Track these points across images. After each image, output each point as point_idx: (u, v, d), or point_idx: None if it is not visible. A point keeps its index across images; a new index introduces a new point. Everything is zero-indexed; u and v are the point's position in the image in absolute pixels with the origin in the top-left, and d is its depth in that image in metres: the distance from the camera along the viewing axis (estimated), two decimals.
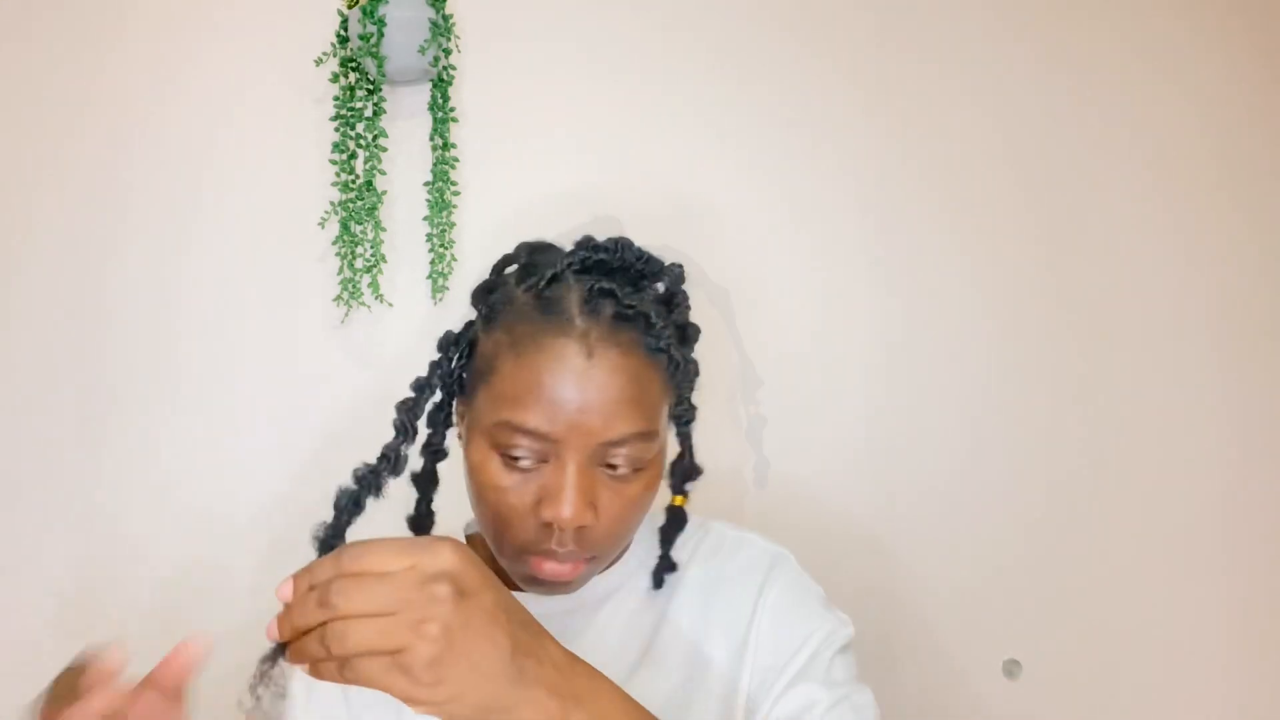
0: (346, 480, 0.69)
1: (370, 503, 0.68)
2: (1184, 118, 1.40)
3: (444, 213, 1.34)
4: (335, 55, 1.34)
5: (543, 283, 0.71)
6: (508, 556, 0.72)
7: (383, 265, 1.34)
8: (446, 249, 1.34)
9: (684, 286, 0.77)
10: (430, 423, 0.78)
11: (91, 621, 1.30)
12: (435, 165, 1.35)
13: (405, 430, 0.71)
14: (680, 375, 0.73)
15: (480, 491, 0.71)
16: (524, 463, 0.69)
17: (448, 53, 1.33)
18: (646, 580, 0.81)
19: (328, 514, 0.67)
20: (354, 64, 1.33)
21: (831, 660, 0.76)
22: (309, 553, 0.60)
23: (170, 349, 1.35)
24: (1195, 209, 1.40)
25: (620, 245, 0.74)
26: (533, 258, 0.77)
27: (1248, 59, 1.41)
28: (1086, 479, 1.37)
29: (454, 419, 0.79)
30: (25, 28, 1.36)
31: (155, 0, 1.37)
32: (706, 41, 1.40)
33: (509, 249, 0.80)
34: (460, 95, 1.37)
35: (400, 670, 0.48)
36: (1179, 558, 1.37)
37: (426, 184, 1.35)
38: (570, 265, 0.72)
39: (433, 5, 1.31)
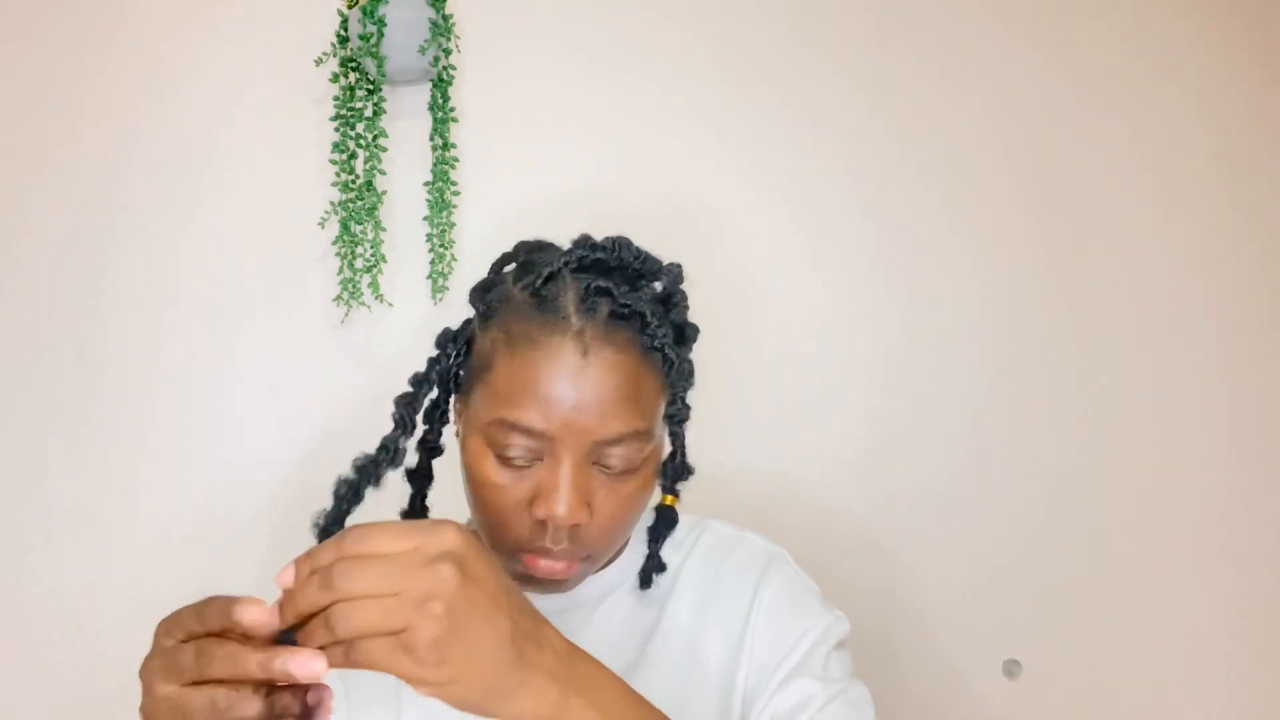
0: (346, 472, 0.69)
1: (366, 498, 0.69)
2: (1184, 118, 1.40)
3: (444, 213, 1.34)
4: (335, 55, 1.34)
5: (540, 281, 0.71)
6: (502, 554, 0.72)
7: (383, 265, 1.34)
8: (446, 249, 1.34)
9: (682, 286, 0.77)
10: (426, 419, 0.78)
11: (90, 622, 1.30)
12: (435, 165, 1.35)
13: (404, 423, 0.72)
14: (676, 375, 0.73)
15: (476, 488, 0.72)
16: (519, 460, 0.69)
17: (448, 53, 1.34)
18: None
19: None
20: (354, 64, 1.33)
21: (828, 656, 0.76)
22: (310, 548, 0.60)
23: (170, 349, 1.35)
24: (1195, 209, 1.40)
25: (618, 244, 0.73)
26: (531, 256, 0.77)
27: (1248, 59, 1.41)
28: (1086, 479, 1.37)
29: (451, 416, 0.79)
30: (25, 28, 1.36)
31: (155, 0, 1.37)
32: (706, 41, 1.40)
33: (508, 249, 0.80)
34: (460, 95, 1.37)
35: (404, 650, 0.48)
36: (1179, 557, 1.37)
37: (426, 184, 1.35)
38: (567, 264, 0.72)
39: (433, 5, 1.31)
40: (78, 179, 1.35)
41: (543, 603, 0.75)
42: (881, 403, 1.38)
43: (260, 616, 0.50)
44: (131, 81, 1.37)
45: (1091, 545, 1.37)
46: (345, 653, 0.49)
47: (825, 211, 1.40)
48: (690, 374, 0.76)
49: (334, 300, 1.34)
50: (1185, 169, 1.40)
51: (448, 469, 0.83)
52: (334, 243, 1.33)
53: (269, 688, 0.51)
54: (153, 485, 1.33)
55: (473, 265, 1.35)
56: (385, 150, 1.34)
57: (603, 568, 0.80)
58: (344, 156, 1.33)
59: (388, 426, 0.72)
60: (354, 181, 1.33)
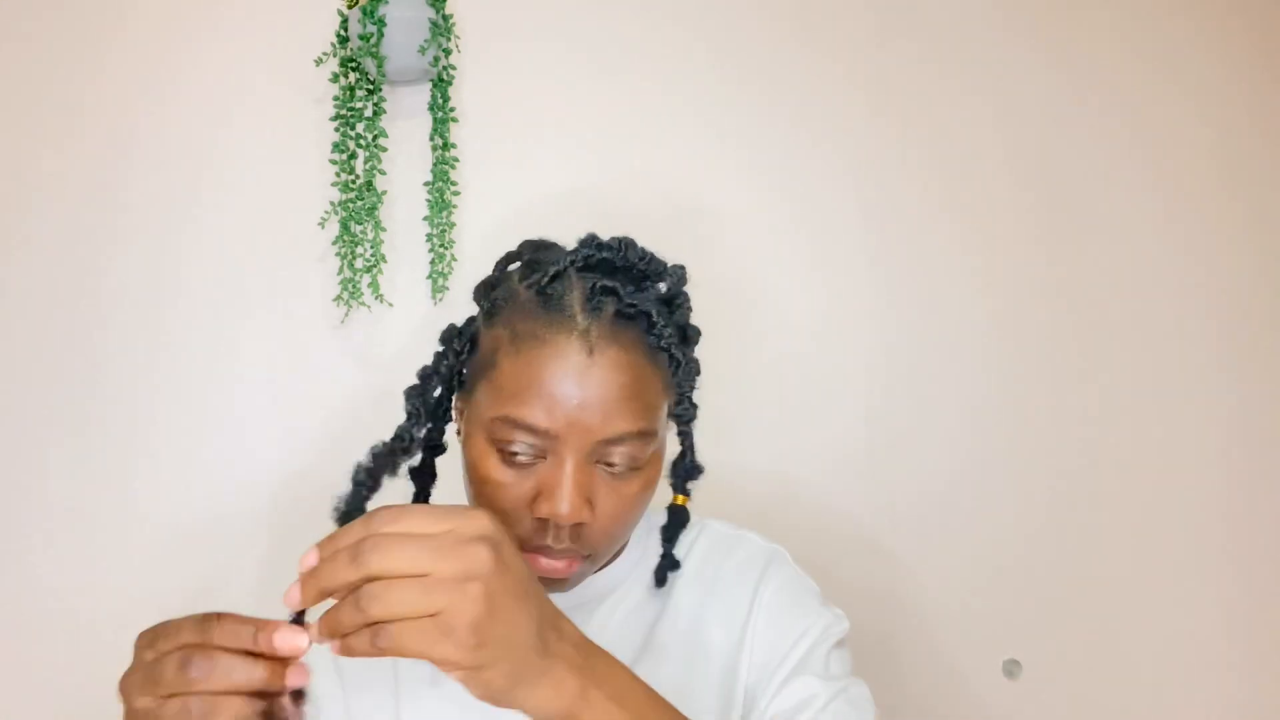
0: (364, 459, 0.69)
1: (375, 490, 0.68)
2: (1184, 118, 1.41)
3: (444, 213, 1.34)
4: (335, 55, 1.34)
5: (546, 279, 0.71)
6: None
7: (383, 265, 1.34)
8: (446, 249, 1.34)
9: (685, 288, 0.77)
10: (430, 416, 0.78)
11: (90, 623, 1.30)
12: (435, 165, 1.35)
13: (417, 413, 0.71)
14: (682, 374, 0.73)
15: (477, 486, 0.72)
16: (522, 458, 0.69)
17: (448, 53, 1.34)
18: (643, 578, 0.82)
19: (329, 514, 0.67)
20: (354, 64, 1.33)
21: (829, 654, 0.76)
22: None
23: (169, 349, 1.35)
24: (1195, 209, 1.40)
25: (624, 244, 0.74)
26: (536, 255, 0.77)
27: (1248, 59, 1.41)
28: (1086, 479, 1.37)
29: (452, 414, 0.79)
30: (25, 28, 1.36)
31: (155, 0, 1.37)
32: (706, 41, 1.40)
33: (512, 247, 0.80)
34: (460, 95, 1.37)
35: (443, 632, 0.47)
36: (1179, 557, 1.37)
37: (426, 184, 1.35)
38: (574, 263, 0.72)
39: (433, 5, 1.31)
40: (78, 179, 1.35)
41: None
42: (881, 403, 1.38)
43: (299, 642, 0.49)
44: (131, 81, 1.36)
45: (1091, 545, 1.37)
46: (373, 637, 0.47)
47: (825, 211, 1.40)
48: (696, 373, 0.76)
49: (334, 300, 1.34)
50: (1185, 169, 1.40)
51: (448, 468, 0.83)
52: (334, 243, 1.33)
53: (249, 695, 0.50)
54: (153, 485, 1.33)
55: (473, 265, 1.35)
56: (385, 150, 1.34)
57: (603, 567, 0.80)
58: (344, 156, 1.33)
59: (388, 426, 0.72)
60: (354, 181, 1.33)
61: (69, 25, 1.36)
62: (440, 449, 0.82)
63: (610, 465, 0.70)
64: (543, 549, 0.70)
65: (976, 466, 1.38)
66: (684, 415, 0.75)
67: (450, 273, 1.35)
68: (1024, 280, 1.39)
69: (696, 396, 0.76)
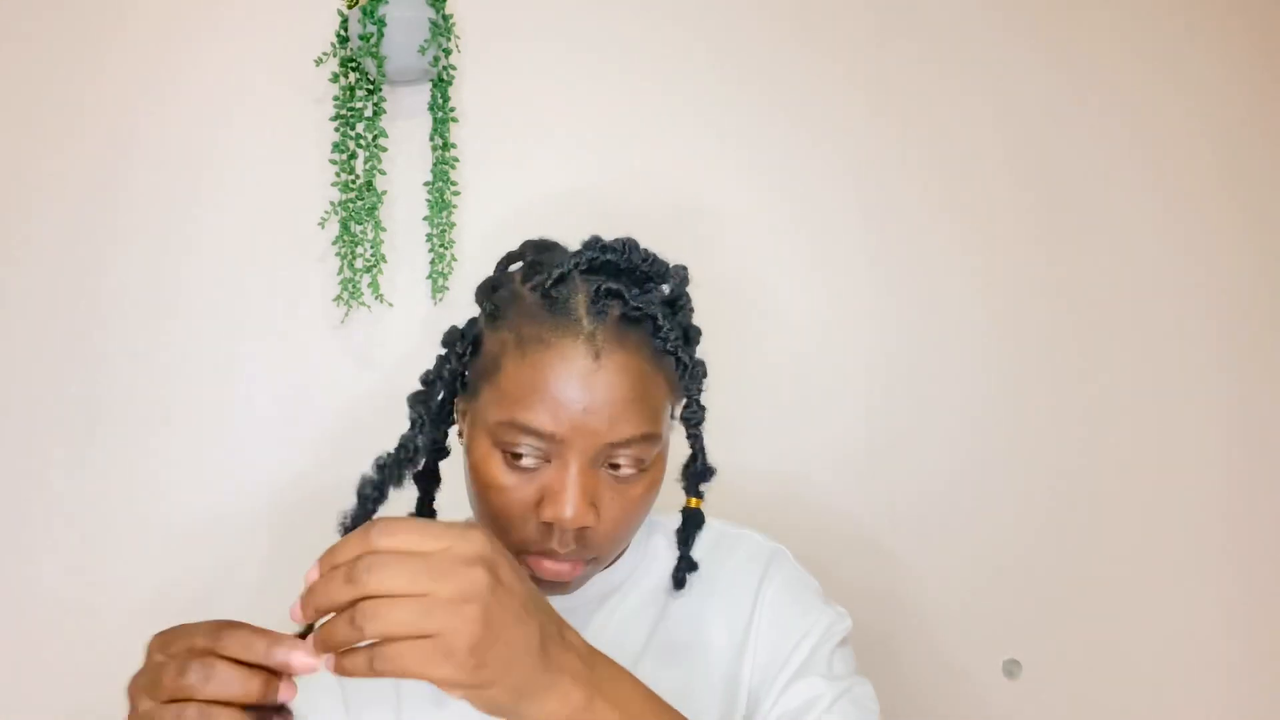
0: (358, 477, 0.68)
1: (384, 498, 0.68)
2: (1184, 118, 1.41)
3: (444, 213, 1.34)
4: (335, 55, 1.34)
5: (550, 282, 0.70)
6: None
7: (383, 265, 1.34)
8: (446, 249, 1.34)
9: (687, 289, 0.77)
10: (432, 421, 0.78)
11: (91, 625, 1.30)
12: (435, 165, 1.35)
13: (420, 421, 0.71)
14: (689, 377, 0.73)
15: (481, 490, 0.71)
16: (526, 461, 0.69)
17: (448, 53, 1.33)
18: (643, 580, 0.82)
19: (329, 514, 0.67)
20: (354, 64, 1.33)
21: (832, 654, 0.76)
22: (312, 552, 0.60)
23: (170, 349, 1.35)
24: (1195, 209, 1.40)
25: (627, 246, 0.73)
26: (539, 256, 0.76)
27: (1248, 59, 1.41)
28: (1086, 479, 1.37)
29: (455, 417, 0.79)
30: (25, 28, 1.36)
31: (155, 0, 1.37)
32: (706, 41, 1.40)
33: (509, 249, 0.80)
34: (460, 95, 1.37)
35: (443, 654, 0.47)
36: (1179, 557, 1.37)
37: (426, 184, 1.35)
38: (577, 265, 0.71)
39: (433, 5, 1.31)
40: (78, 179, 1.35)
41: None
42: (881, 403, 1.38)
43: (314, 662, 0.49)
44: (131, 81, 1.36)
45: (1091, 545, 1.37)
46: (369, 657, 0.48)
47: (825, 211, 1.40)
48: (703, 375, 0.75)
49: (334, 300, 1.34)
50: (1185, 169, 1.40)
51: (449, 469, 0.83)
52: (334, 243, 1.33)
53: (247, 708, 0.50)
54: (153, 485, 1.33)
55: (473, 265, 1.35)
56: (385, 150, 1.34)
57: (605, 568, 0.80)
58: (344, 156, 1.33)
59: (388, 426, 0.72)
60: (354, 181, 1.33)
61: (69, 25, 1.36)
62: (444, 452, 0.82)
63: (615, 468, 0.70)
64: (547, 552, 0.70)
65: (976, 466, 1.38)
66: (693, 418, 0.75)
67: (450, 273, 1.34)
68: (1024, 280, 1.39)
69: (702, 397, 0.76)
